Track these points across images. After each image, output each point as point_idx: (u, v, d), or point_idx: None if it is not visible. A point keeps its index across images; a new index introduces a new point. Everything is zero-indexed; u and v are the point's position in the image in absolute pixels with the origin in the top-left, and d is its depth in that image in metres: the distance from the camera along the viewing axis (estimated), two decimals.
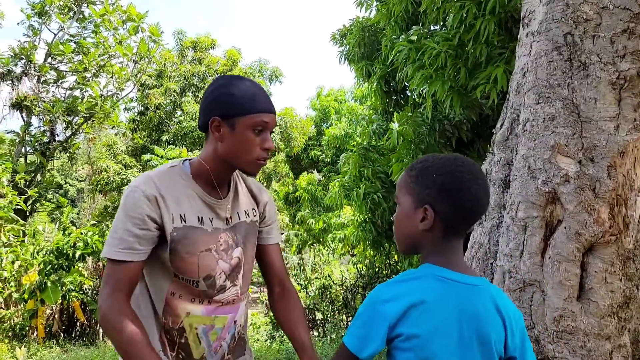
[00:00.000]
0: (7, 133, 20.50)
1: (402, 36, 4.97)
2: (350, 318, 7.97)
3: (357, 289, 8.17)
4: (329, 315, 8.42)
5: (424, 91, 4.84)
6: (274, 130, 1.41)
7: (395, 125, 5.82)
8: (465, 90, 4.30)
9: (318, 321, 8.95)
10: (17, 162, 15.29)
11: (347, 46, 6.97)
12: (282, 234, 20.32)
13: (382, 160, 6.43)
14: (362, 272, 8.27)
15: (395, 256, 7.68)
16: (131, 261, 1.30)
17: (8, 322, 9.82)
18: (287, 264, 15.43)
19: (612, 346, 1.42)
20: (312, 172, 17.77)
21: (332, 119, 19.87)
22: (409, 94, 6.26)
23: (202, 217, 1.37)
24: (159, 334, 1.38)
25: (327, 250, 13.16)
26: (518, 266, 1.56)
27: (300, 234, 17.36)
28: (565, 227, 1.48)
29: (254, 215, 1.48)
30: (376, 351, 1.06)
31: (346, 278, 8.96)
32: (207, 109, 1.36)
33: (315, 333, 8.91)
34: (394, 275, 7.73)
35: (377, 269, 7.93)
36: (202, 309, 1.37)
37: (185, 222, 1.34)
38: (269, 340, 8.78)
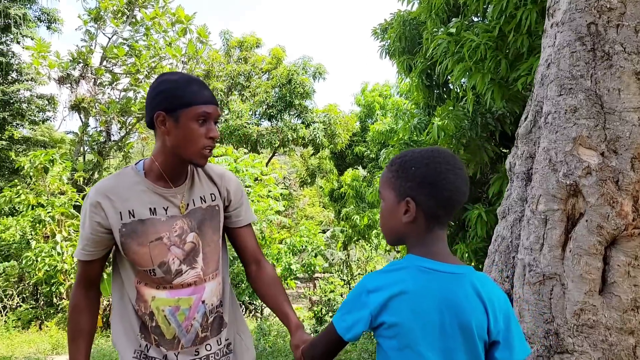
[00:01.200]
0: (67, 134, 21.66)
1: (442, 29, 4.90)
2: None
3: None
4: None
5: (465, 84, 4.77)
6: (218, 120, 1.48)
7: (436, 120, 5.75)
8: (506, 83, 4.21)
9: None
10: (76, 161, 16.12)
11: (388, 40, 6.92)
12: (326, 230, 20.44)
13: None
14: None
15: None
16: (85, 260, 1.51)
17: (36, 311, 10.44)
18: (332, 259, 15.54)
19: (635, 341, 1.39)
20: (356, 169, 17.74)
21: (377, 115, 19.75)
22: (451, 87, 6.17)
23: (154, 208, 1.46)
24: (137, 320, 1.51)
25: (370, 247, 13.14)
26: (538, 259, 1.54)
27: (346, 230, 17.41)
28: (586, 220, 1.46)
29: (212, 200, 1.55)
30: (359, 334, 1.14)
31: None
32: (151, 105, 1.44)
33: None
34: None
35: None
36: (166, 293, 1.47)
37: (134, 217, 1.44)
38: (312, 334, 8.89)
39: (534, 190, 1.62)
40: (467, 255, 5.46)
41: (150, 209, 1.46)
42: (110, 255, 1.59)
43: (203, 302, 1.51)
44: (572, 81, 1.51)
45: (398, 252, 11.35)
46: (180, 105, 1.39)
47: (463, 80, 4.76)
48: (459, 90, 5.78)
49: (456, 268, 1.13)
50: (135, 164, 1.53)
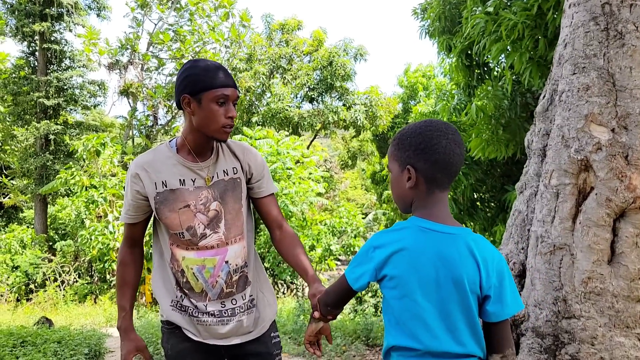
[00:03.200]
0: (117, 118, 22.55)
1: (480, 8, 4.85)
2: None
3: None
4: None
5: (504, 64, 4.71)
6: (236, 102, 1.66)
7: (475, 100, 5.70)
8: (545, 62, 4.15)
9: None
10: (125, 144, 16.82)
11: (428, 20, 6.85)
12: (368, 213, 20.52)
13: (463, 137, 6.33)
14: None
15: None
16: (129, 223, 1.78)
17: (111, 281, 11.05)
18: None
19: None
20: None
21: (420, 96, 19.50)
22: (491, 67, 6.08)
23: (183, 180, 1.69)
24: (172, 276, 1.76)
25: None
26: (549, 231, 1.61)
27: (388, 213, 17.43)
28: (596, 194, 1.51)
29: (235, 173, 1.74)
30: (365, 285, 1.30)
31: None
32: (178, 89, 1.64)
33: None
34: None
35: None
36: (193, 253, 1.70)
37: (166, 187, 1.68)
38: (352, 314, 9.09)
39: (547, 166, 1.67)
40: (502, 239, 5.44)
41: (180, 180, 1.69)
42: (152, 220, 1.84)
43: (226, 262, 1.72)
44: (586, 60, 1.55)
45: None
46: (202, 89, 1.59)
47: (502, 59, 4.71)
48: (498, 70, 5.70)
49: (453, 229, 1.25)
50: (169, 142, 1.76)
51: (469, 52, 5.97)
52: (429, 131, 1.27)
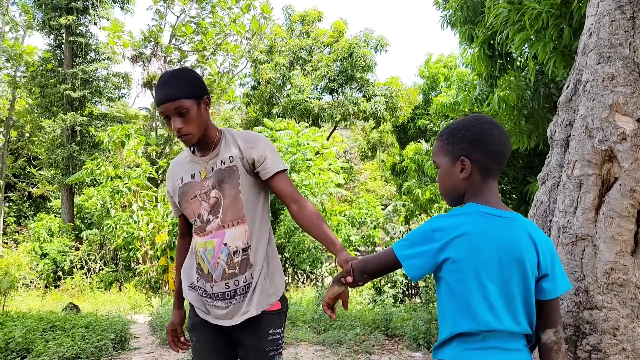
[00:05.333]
0: (141, 110, 22.89)
1: None
2: None
3: None
4: (430, 283, 8.49)
5: (527, 54, 4.65)
6: (182, 112, 1.76)
7: (497, 91, 5.63)
8: (569, 51, 4.08)
9: (420, 288, 9.08)
10: (149, 135, 17.07)
11: (450, 10, 6.77)
12: (388, 204, 20.46)
13: None
14: None
15: None
16: (177, 217, 2.09)
17: (145, 276, 11.27)
18: (394, 233, 15.63)
19: None
20: (419, 142, 17.52)
21: (441, 87, 19.29)
22: (514, 57, 5.99)
23: (194, 173, 1.92)
24: (194, 260, 1.97)
25: None
26: (572, 222, 1.60)
27: (407, 205, 17.35)
28: (620, 185, 1.50)
29: (231, 162, 1.87)
30: (418, 266, 1.32)
31: None
32: None
33: (418, 300, 9.06)
34: None
35: None
36: (201, 238, 1.90)
37: (183, 182, 1.93)
38: (371, 304, 9.12)
39: (570, 156, 1.67)
40: None
41: (191, 174, 1.92)
42: None
43: (225, 244, 1.87)
44: (611, 49, 1.53)
45: None
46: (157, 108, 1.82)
47: (525, 49, 4.64)
48: (521, 60, 5.61)
49: (509, 214, 1.33)
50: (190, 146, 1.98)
51: (492, 42, 5.88)
52: (481, 124, 1.35)
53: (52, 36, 18.24)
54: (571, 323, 1.60)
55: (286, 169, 1.91)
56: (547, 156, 1.91)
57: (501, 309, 1.27)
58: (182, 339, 2.07)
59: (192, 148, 1.94)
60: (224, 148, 1.89)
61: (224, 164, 1.87)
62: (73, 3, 17.20)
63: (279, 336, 1.91)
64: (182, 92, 1.75)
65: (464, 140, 1.35)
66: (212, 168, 1.88)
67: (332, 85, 19.18)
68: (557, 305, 1.35)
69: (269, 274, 1.92)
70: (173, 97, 1.74)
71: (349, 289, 1.58)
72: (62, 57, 18.14)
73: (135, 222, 11.55)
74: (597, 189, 1.56)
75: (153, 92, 18.87)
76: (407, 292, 9.33)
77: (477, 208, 1.33)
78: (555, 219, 1.69)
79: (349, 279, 1.53)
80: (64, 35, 17.75)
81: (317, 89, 19.81)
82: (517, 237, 1.29)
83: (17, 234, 19.41)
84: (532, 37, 4.19)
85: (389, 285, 9.47)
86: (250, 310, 1.85)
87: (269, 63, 18.99)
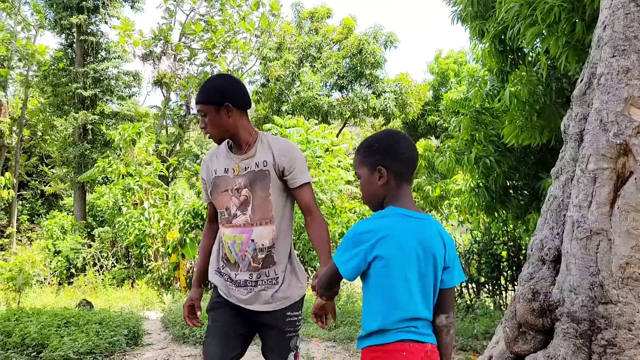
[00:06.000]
0: (151, 108, 23.02)
1: None
2: (464, 284, 7.94)
3: (471, 255, 8.08)
4: None
5: (539, 48, 4.61)
6: (204, 115, 2.01)
7: (508, 86, 5.58)
8: (582, 45, 4.04)
9: None
10: (159, 133, 17.18)
11: (460, 5, 6.73)
12: None
13: (496, 123, 6.22)
14: (477, 239, 8.14)
15: (511, 224, 7.43)
16: (207, 203, 2.21)
17: (157, 273, 11.35)
18: None
19: None
20: (429, 139, 17.45)
21: (452, 83, 19.18)
22: (526, 52, 5.93)
23: (227, 168, 2.07)
24: (220, 248, 2.13)
25: (441, 217, 13.02)
26: (586, 216, 1.59)
27: (417, 202, 17.32)
28: (635, 178, 1.49)
29: (264, 166, 2.03)
30: (353, 267, 1.49)
31: (460, 244, 8.87)
32: None
33: None
34: (511, 243, 7.51)
35: (492, 236, 7.75)
36: (229, 230, 2.06)
37: (216, 174, 2.09)
38: None
39: (584, 150, 1.65)
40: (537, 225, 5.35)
41: (224, 169, 2.08)
42: None
43: (252, 240, 2.02)
44: (626, 42, 1.52)
45: (470, 223, 11.20)
46: None
47: (537, 43, 4.60)
48: (533, 55, 5.57)
49: (423, 215, 1.54)
50: (228, 140, 2.15)
51: (503, 37, 5.83)
52: (392, 137, 1.57)
53: (63, 35, 18.39)
54: (586, 318, 1.59)
55: (310, 181, 2.09)
56: (560, 151, 1.90)
57: (420, 300, 1.46)
58: (198, 314, 2.20)
59: (229, 143, 2.11)
60: (260, 151, 2.05)
61: (258, 166, 2.03)
62: (84, 2, 17.32)
63: (296, 318, 2.08)
64: (203, 98, 2.01)
65: (378, 152, 1.54)
66: (246, 168, 2.04)
67: (341, 82, 19.15)
68: (452, 294, 1.54)
69: (293, 270, 2.10)
70: (197, 101, 2.03)
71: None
72: (74, 56, 18.30)
73: (146, 219, 11.63)
74: (612, 183, 1.55)
75: (164, 91, 18.97)
76: None
77: (397, 211, 1.50)
78: (570, 214, 1.68)
79: (315, 295, 1.74)
80: (75, 34, 17.89)
81: (326, 86, 19.79)
82: (430, 235, 1.50)
83: (30, 231, 19.64)
84: (544, 31, 4.16)
85: None
86: (276, 303, 2.03)
87: (278, 60, 19.00)
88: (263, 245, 2.02)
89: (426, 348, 1.47)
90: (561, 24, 3.97)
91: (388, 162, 1.52)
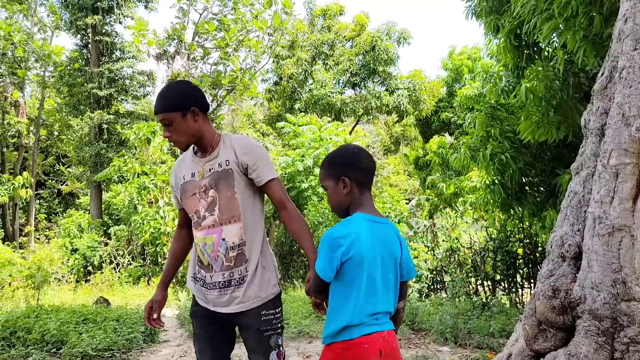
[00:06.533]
0: None
1: None
2: (479, 281, 7.88)
3: (486, 253, 8.02)
4: (456, 278, 8.42)
5: (555, 43, 4.55)
6: (166, 123, 2.02)
7: (524, 82, 5.52)
8: (600, 39, 3.98)
9: (446, 283, 9.00)
10: None
11: (475, 1, 6.66)
12: (411, 199, 20.34)
13: (511, 119, 6.15)
14: (493, 236, 8.07)
15: (527, 221, 7.36)
16: (177, 209, 2.28)
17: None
18: (417, 228, 15.58)
19: None
20: (443, 135, 17.33)
21: (465, 79, 19.02)
22: (542, 47, 5.86)
23: (194, 172, 2.12)
24: (195, 253, 2.15)
25: (456, 214, 12.94)
26: (608, 212, 1.57)
27: (431, 199, 17.22)
28: None
29: (227, 165, 2.07)
30: (332, 271, 1.66)
31: (475, 241, 8.81)
32: None
33: (444, 295, 8.99)
34: (527, 240, 7.44)
35: (508, 233, 7.68)
36: (200, 232, 2.10)
37: (184, 179, 2.14)
38: None
39: (605, 145, 1.63)
40: (556, 221, 5.28)
41: (192, 173, 2.12)
42: None
43: (223, 239, 2.06)
44: None
45: (485, 220, 11.11)
46: None
47: (553, 38, 4.54)
48: (549, 50, 5.50)
49: (384, 220, 1.75)
50: (193, 147, 2.19)
51: (518, 32, 5.77)
52: (351, 150, 1.79)
53: (78, 36, 18.60)
54: (608, 315, 1.57)
55: (277, 177, 2.12)
56: (580, 146, 1.87)
57: (383, 295, 1.67)
58: (154, 316, 2.22)
59: (194, 149, 2.15)
60: (222, 152, 2.10)
61: (221, 166, 2.08)
62: (99, 3, 17.50)
63: (273, 317, 2.09)
64: (166, 106, 2.01)
65: (341, 164, 1.76)
66: (210, 169, 2.08)
67: (354, 79, 19.10)
68: (405, 286, 1.82)
69: (266, 268, 2.12)
70: (158, 111, 2.03)
71: None
72: (89, 56, 18.50)
73: (161, 217, 11.74)
74: (635, 178, 1.52)
75: None
76: (432, 287, 9.25)
77: (363, 217, 1.71)
78: (591, 210, 1.65)
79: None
80: (90, 34, 18.08)
81: (339, 83, 19.75)
82: (391, 238, 1.74)
83: (48, 230, 19.94)
84: (560, 25, 4.11)
85: (413, 280, 9.42)
86: (248, 302, 2.06)
87: (291, 58, 19.00)
88: (234, 243, 2.06)
89: (383, 334, 1.67)
90: (578, 18, 3.92)
91: (350, 172, 1.73)
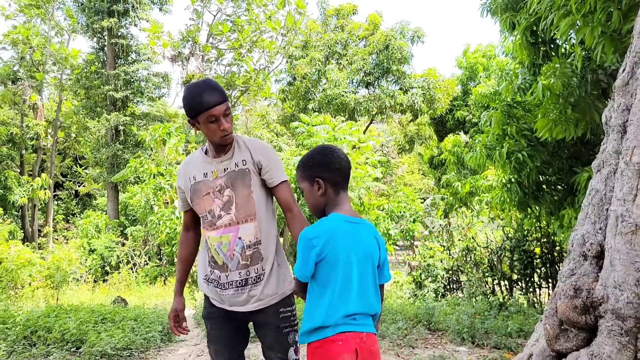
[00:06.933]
0: (180, 108, 23.37)
1: None
2: (496, 281, 7.82)
3: (503, 252, 7.94)
4: (473, 278, 8.35)
5: (573, 39, 4.49)
6: (227, 113, 2.00)
7: (541, 79, 5.45)
8: (619, 35, 3.91)
9: (462, 282, 8.94)
10: (189, 133, 17.43)
11: None
12: (426, 198, 20.23)
13: (528, 117, 6.09)
14: (509, 235, 7.99)
15: (544, 220, 7.27)
16: (183, 211, 2.26)
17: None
18: (432, 227, 15.50)
19: None
20: (458, 134, 17.19)
21: (480, 77, 18.86)
22: (559, 43, 5.78)
23: (206, 172, 2.11)
24: (206, 254, 2.14)
25: (471, 213, 12.84)
26: (631, 210, 1.54)
27: (446, 198, 17.12)
28: None
29: (244, 165, 2.10)
30: (309, 271, 1.68)
31: (491, 241, 8.73)
32: (186, 113, 2.07)
33: (460, 294, 8.92)
34: (544, 239, 7.36)
35: (525, 232, 7.59)
36: (214, 232, 2.09)
37: (195, 180, 2.13)
38: (411, 298, 9.06)
39: (628, 142, 1.60)
40: (574, 220, 5.21)
41: (203, 173, 2.11)
42: None
43: (239, 238, 2.07)
44: None
45: (502, 219, 11.01)
46: (197, 113, 1.99)
47: (571, 34, 4.48)
48: (566, 47, 5.42)
49: (360, 220, 1.76)
50: (202, 147, 2.21)
51: (534, 28, 5.70)
52: (324, 151, 1.78)
53: (95, 39, 18.85)
54: (632, 315, 1.54)
55: (287, 180, 2.16)
56: (601, 143, 1.84)
57: (358, 297, 1.66)
58: (183, 324, 2.25)
59: (204, 149, 2.17)
60: (237, 152, 2.12)
61: (238, 166, 2.09)
62: (114, 6, 17.71)
63: (290, 314, 2.13)
64: (225, 96, 2.01)
65: (314, 166, 1.76)
66: (225, 169, 2.09)
67: (368, 78, 19.05)
68: (382, 288, 1.81)
69: (281, 266, 2.14)
70: (224, 100, 1.99)
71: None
72: (105, 59, 18.73)
73: (177, 218, 11.83)
74: None
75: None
76: (448, 287, 9.19)
77: (339, 217, 1.72)
78: (613, 208, 1.63)
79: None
80: (106, 37, 18.32)
81: (352, 82, 19.72)
82: (367, 238, 1.73)
83: (66, 230, 20.23)
84: (578, 21, 4.05)
85: (429, 279, 9.37)
86: (266, 300, 2.08)
87: (304, 58, 19.03)
88: (250, 241, 2.07)
89: (360, 335, 1.66)
90: (597, 14, 3.86)
91: (324, 173, 1.74)
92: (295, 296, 1.99)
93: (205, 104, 1.96)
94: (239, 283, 2.07)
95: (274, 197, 2.21)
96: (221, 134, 2.00)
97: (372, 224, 1.79)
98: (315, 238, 1.66)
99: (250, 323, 2.22)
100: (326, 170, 1.74)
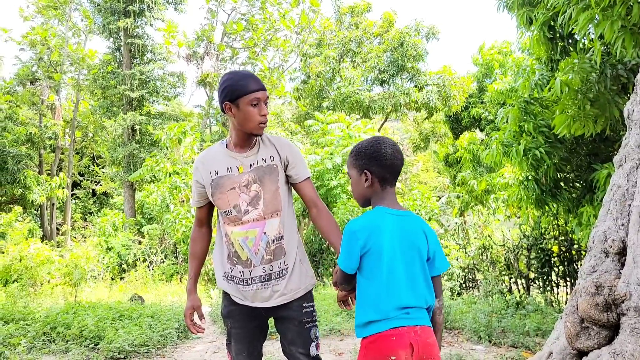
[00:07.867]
0: (195, 107, 23.55)
1: None
2: (513, 279, 7.74)
3: (520, 250, 7.85)
4: (489, 276, 8.28)
5: (592, 34, 4.42)
6: (266, 102, 2.02)
7: (559, 74, 5.37)
8: (639, 30, 3.84)
9: (478, 281, 8.86)
10: (204, 132, 17.56)
11: None
12: (441, 196, 20.09)
13: (545, 114, 6.00)
14: (527, 233, 7.90)
15: (562, 218, 7.17)
16: (196, 207, 2.22)
17: (203, 268, 11.63)
18: (448, 225, 15.39)
19: None
20: (473, 131, 17.05)
21: (496, 74, 18.66)
22: (577, 38, 5.69)
23: (230, 167, 2.09)
24: (225, 250, 2.13)
25: (488, 211, 12.72)
26: None
27: (462, 196, 16.98)
28: None
29: (272, 161, 2.10)
30: (353, 263, 1.68)
31: (508, 239, 8.64)
32: (220, 97, 2.05)
33: (477, 293, 8.85)
34: (562, 238, 7.26)
35: (542, 230, 7.50)
36: (239, 227, 2.07)
37: (217, 174, 2.09)
38: None
39: None
40: (593, 218, 5.14)
41: (227, 167, 2.09)
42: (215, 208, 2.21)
43: (265, 233, 2.07)
44: None
45: (519, 217, 10.88)
46: (238, 96, 1.98)
47: (589, 29, 4.41)
48: (585, 41, 5.34)
49: (406, 212, 1.75)
50: (222, 141, 2.19)
51: (552, 23, 5.62)
52: (377, 144, 1.75)
53: (111, 39, 19.07)
54: None
55: (310, 176, 2.18)
56: (623, 138, 1.80)
57: (408, 289, 1.65)
58: (202, 322, 2.23)
59: (225, 143, 2.14)
60: (263, 148, 2.12)
61: (265, 162, 2.09)
62: (130, 6, 17.90)
63: (312, 309, 2.13)
64: (263, 85, 2.03)
65: (365, 157, 1.75)
66: (251, 164, 2.08)
67: (382, 76, 18.97)
68: (439, 281, 1.78)
69: (302, 260, 2.15)
70: (264, 88, 2.02)
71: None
72: (121, 59, 18.94)
73: (193, 216, 11.91)
74: None
75: (207, 90, 19.33)
76: (464, 285, 9.13)
77: (382, 210, 1.72)
78: (636, 203, 1.59)
79: (335, 289, 1.91)
80: (122, 37, 18.52)
81: (367, 80, 19.65)
82: (413, 230, 1.71)
83: (83, 229, 20.52)
84: (597, 16, 3.98)
85: (445, 277, 9.31)
86: (290, 294, 2.08)
87: (319, 56, 19.01)
88: (274, 236, 2.07)
89: (415, 329, 1.64)
90: (616, 8, 3.79)
91: (373, 167, 1.74)
92: (334, 287, 1.96)
93: (250, 86, 1.98)
94: (263, 278, 2.07)
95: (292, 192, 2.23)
96: (260, 119, 2.01)
97: (419, 217, 1.78)
98: (359, 230, 1.67)
99: (270, 319, 2.22)
100: (376, 164, 1.73)
